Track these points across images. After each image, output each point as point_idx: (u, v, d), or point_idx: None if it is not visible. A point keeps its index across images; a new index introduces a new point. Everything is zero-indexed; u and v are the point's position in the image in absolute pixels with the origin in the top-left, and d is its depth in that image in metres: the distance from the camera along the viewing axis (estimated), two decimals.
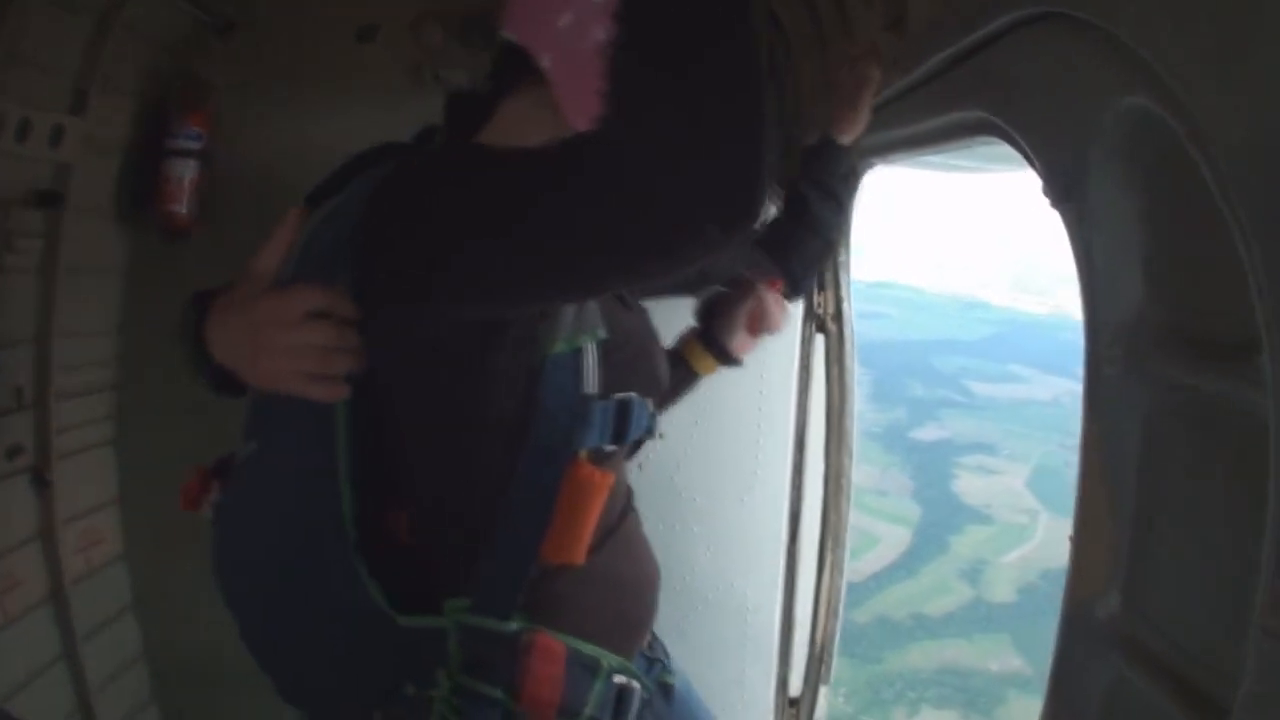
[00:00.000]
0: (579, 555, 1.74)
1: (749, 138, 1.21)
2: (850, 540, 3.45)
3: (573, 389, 1.69)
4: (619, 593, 1.91)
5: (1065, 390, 53.14)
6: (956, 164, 2.84)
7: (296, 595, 1.75)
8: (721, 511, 3.26)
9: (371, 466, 1.71)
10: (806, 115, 3.29)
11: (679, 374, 2.40)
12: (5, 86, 2.75)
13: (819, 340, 3.31)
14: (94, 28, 3.04)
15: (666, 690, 2.12)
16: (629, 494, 2.03)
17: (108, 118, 3.26)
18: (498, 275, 1.45)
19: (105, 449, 3.56)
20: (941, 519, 42.73)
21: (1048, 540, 41.50)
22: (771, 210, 2.57)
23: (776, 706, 3.57)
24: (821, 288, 3.30)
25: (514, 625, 1.71)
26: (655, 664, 2.09)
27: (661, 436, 2.08)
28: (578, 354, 1.69)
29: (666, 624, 2.12)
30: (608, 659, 1.81)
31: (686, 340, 2.46)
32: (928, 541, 41.34)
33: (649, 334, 2.01)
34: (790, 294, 2.62)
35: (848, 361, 3.36)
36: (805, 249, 2.57)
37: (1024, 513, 43.99)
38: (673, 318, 2.49)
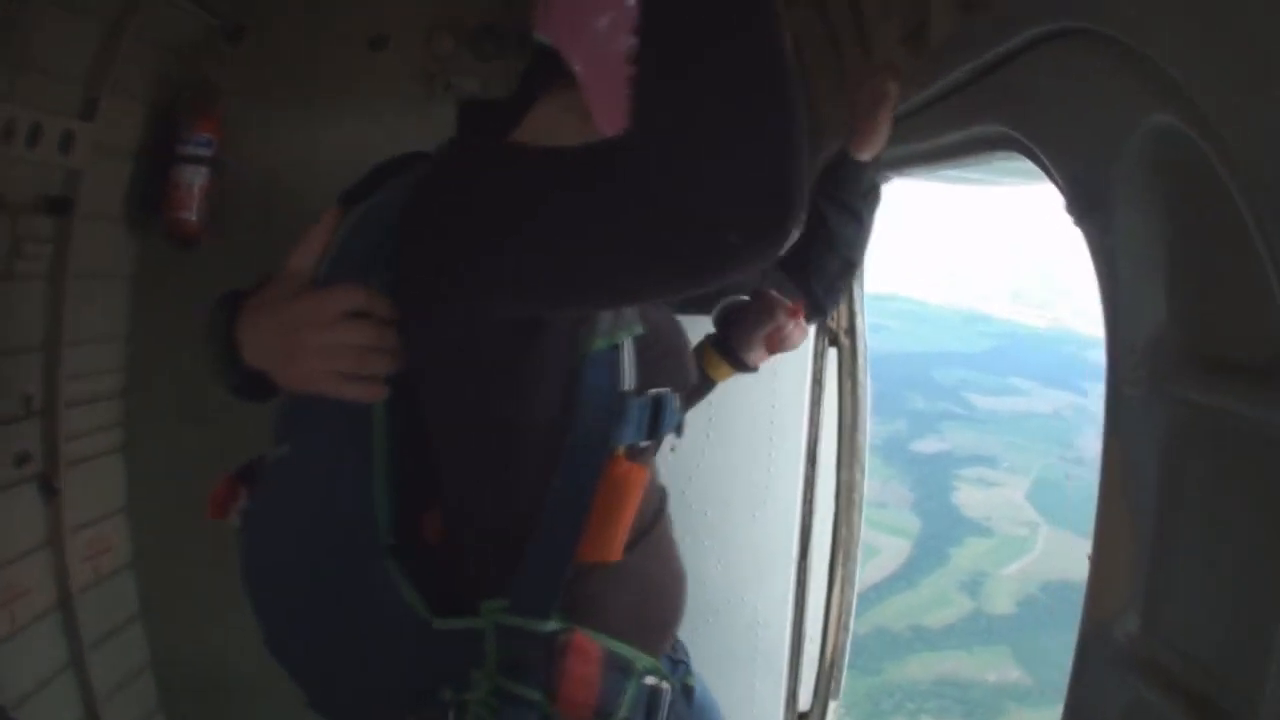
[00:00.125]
0: (616, 552, 1.74)
1: (779, 147, 1.19)
2: None
3: (611, 386, 1.69)
4: (651, 593, 1.91)
5: (1065, 403, 53.30)
6: (967, 176, 2.83)
7: (329, 600, 1.74)
8: (733, 525, 3.24)
9: (408, 467, 1.71)
10: (821, 130, 3.27)
11: (698, 379, 2.39)
12: (16, 92, 2.73)
13: (831, 354, 3.31)
14: (104, 33, 3.02)
15: (688, 692, 2.10)
16: (663, 495, 2.03)
17: (118, 124, 3.24)
18: (527, 278, 1.46)
19: (114, 457, 3.53)
20: (941, 531, 42.84)
21: (1047, 552, 41.64)
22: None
23: None
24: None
25: (551, 625, 1.71)
26: (679, 665, 2.08)
27: (673, 450, 2.07)
28: (615, 350, 1.69)
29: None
30: (641, 660, 1.81)
31: (703, 346, 2.45)
32: (927, 553, 41.45)
33: (677, 330, 2.01)
34: (812, 314, 2.61)
35: (860, 375, 3.36)
36: (826, 268, 2.55)
37: (1024, 525, 44.11)
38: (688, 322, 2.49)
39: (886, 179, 2.59)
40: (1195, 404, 1.30)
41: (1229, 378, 1.22)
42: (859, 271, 2.59)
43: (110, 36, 3.04)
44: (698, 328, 2.43)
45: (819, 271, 2.54)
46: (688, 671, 2.12)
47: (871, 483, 3.46)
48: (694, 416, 2.51)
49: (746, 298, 2.43)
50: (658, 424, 1.79)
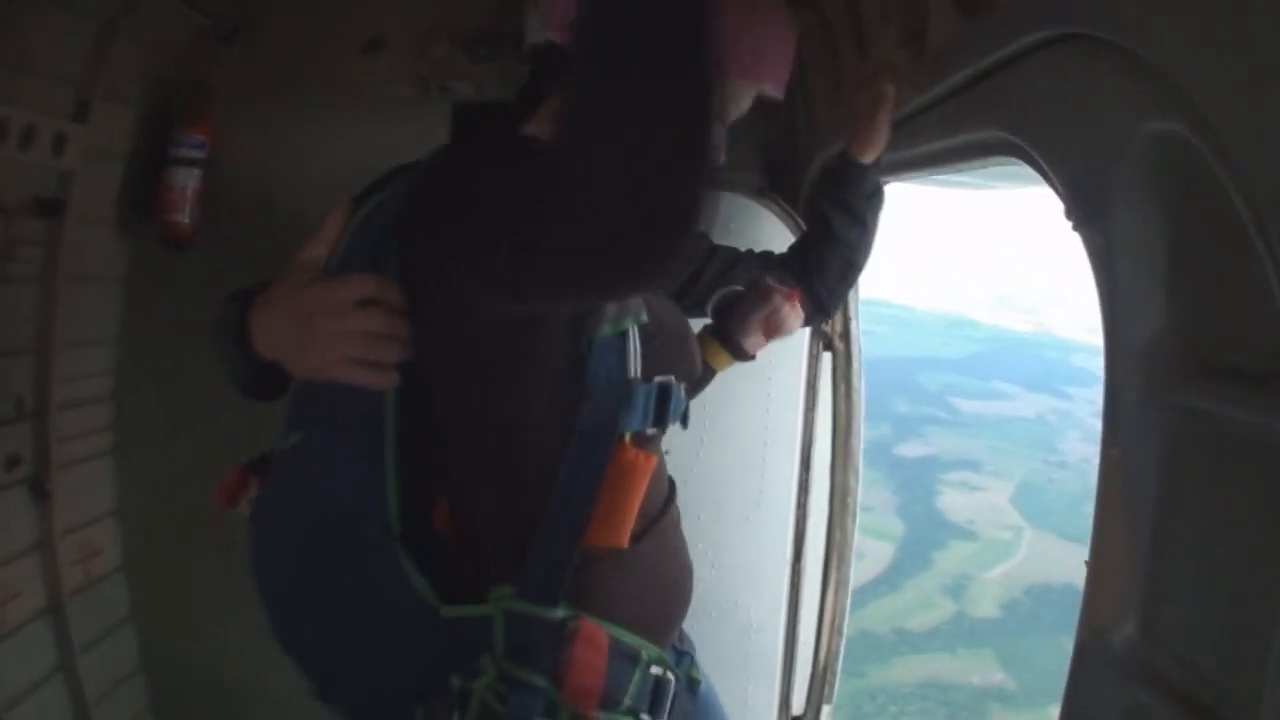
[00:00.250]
0: (623, 539, 1.76)
1: (674, 197, 1.23)
2: None
3: (618, 372, 1.70)
4: (658, 583, 1.91)
5: (1049, 407, 53.54)
6: (963, 180, 2.84)
7: (338, 589, 1.76)
8: (726, 529, 3.23)
9: (416, 457, 1.72)
10: (820, 133, 3.30)
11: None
12: (8, 94, 2.72)
13: (826, 358, 3.30)
14: (97, 35, 3.01)
15: (693, 686, 2.11)
16: (672, 486, 2.04)
17: (110, 126, 3.23)
18: (491, 279, 1.48)
19: (105, 459, 3.52)
20: (925, 535, 43.01)
21: (1031, 556, 41.82)
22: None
23: None
24: None
25: (559, 613, 1.72)
26: (684, 657, 2.09)
27: (667, 452, 2.08)
28: (622, 337, 1.71)
29: None
30: (647, 649, 1.81)
31: (702, 336, 2.44)
32: (911, 557, 41.59)
33: (682, 320, 2.02)
34: (815, 315, 2.66)
35: (854, 380, 3.37)
36: (829, 269, 2.56)
37: (1008, 529, 44.30)
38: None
39: (884, 183, 2.59)
40: (1194, 409, 1.31)
41: (1228, 383, 1.23)
42: (861, 273, 2.60)
43: (103, 38, 3.03)
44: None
45: (822, 273, 2.56)
46: (693, 664, 2.13)
47: None
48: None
49: (741, 288, 2.46)
50: (664, 412, 1.80)
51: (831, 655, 3.48)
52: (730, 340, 2.43)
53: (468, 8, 3.53)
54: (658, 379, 1.78)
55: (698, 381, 2.45)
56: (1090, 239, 1.48)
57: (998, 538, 43.65)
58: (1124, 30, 1.28)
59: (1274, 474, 1.12)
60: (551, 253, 1.30)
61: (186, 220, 3.37)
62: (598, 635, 1.74)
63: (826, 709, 3.50)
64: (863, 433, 3.43)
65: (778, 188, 3.44)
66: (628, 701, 1.78)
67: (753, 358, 2.50)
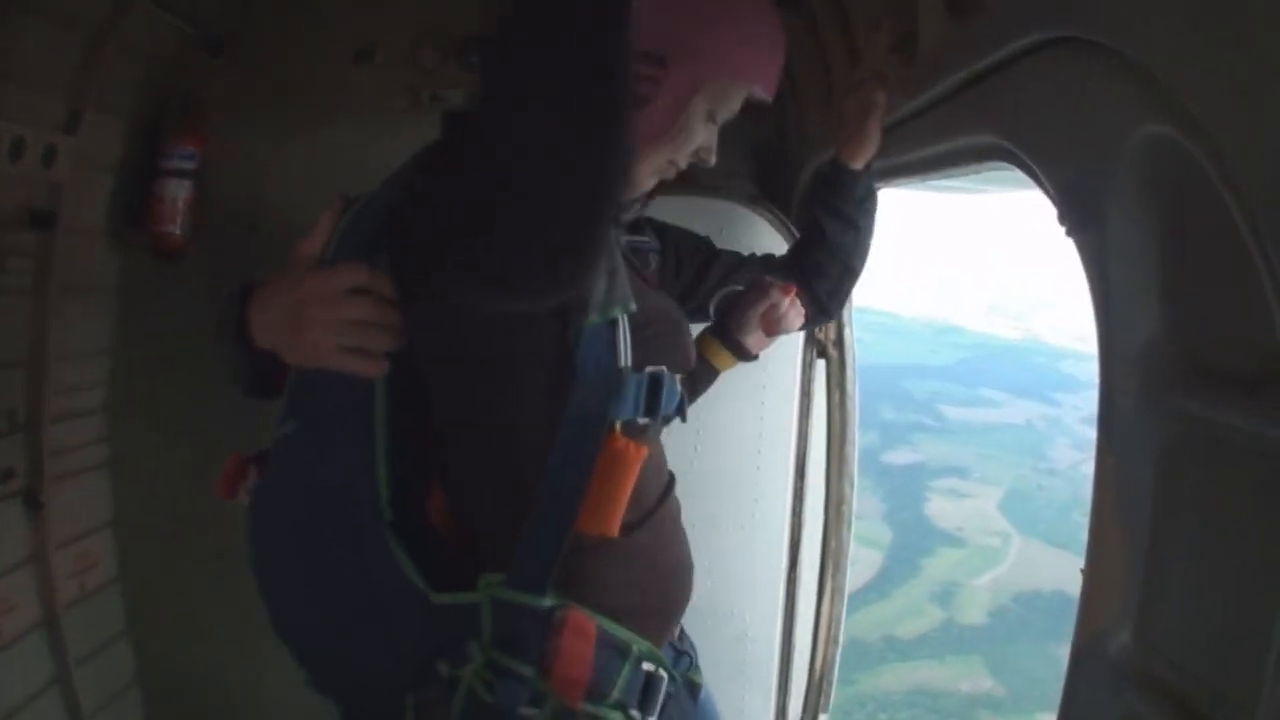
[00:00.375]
0: (613, 528, 1.76)
1: (580, 202, 1.28)
2: None
3: (607, 361, 1.72)
4: (652, 575, 1.92)
5: (1037, 414, 53.64)
6: (956, 185, 2.84)
7: (331, 576, 1.78)
8: (721, 539, 3.23)
9: (409, 446, 1.75)
10: (811, 139, 3.30)
11: (699, 369, 2.43)
12: None
13: (819, 366, 3.30)
14: (87, 47, 3.01)
15: (693, 689, 2.12)
16: (670, 479, 2.05)
17: (101, 137, 3.23)
18: (444, 271, 1.51)
19: (99, 471, 3.51)
20: (913, 542, 43.04)
21: (1019, 563, 41.86)
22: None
23: None
24: None
25: (548, 601, 1.73)
26: (683, 657, 2.09)
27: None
28: (612, 326, 1.73)
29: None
30: (638, 644, 1.82)
31: (703, 336, 2.47)
32: (899, 564, 41.61)
33: (676, 313, 2.05)
34: (818, 316, 2.68)
35: (849, 387, 3.36)
36: (827, 274, 2.58)
37: (996, 535, 44.34)
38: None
39: (878, 187, 2.60)
40: (1189, 415, 1.30)
41: (1223, 389, 1.22)
42: (859, 275, 2.62)
43: (93, 50, 3.03)
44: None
45: (820, 278, 2.57)
46: (693, 667, 2.14)
47: None
48: (681, 429, 2.53)
49: (742, 288, 2.48)
50: (656, 402, 1.81)
51: (827, 663, 3.49)
52: (730, 338, 2.45)
53: (456, 16, 3.53)
54: (649, 369, 1.79)
55: (700, 382, 2.48)
56: (1084, 244, 1.47)
57: (986, 545, 43.71)
58: (1115, 33, 1.28)
59: (1270, 479, 1.11)
60: (477, 250, 1.35)
61: (178, 231, 3.37)
62: (586, 626, 1.75)
63: (823, 718, 3.50)
64: (857, 441, 3.42)
65: (770, 195, 3.45)
66: (616, 695, 1.78)
67: (754, 357, 2.52)
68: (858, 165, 2.46)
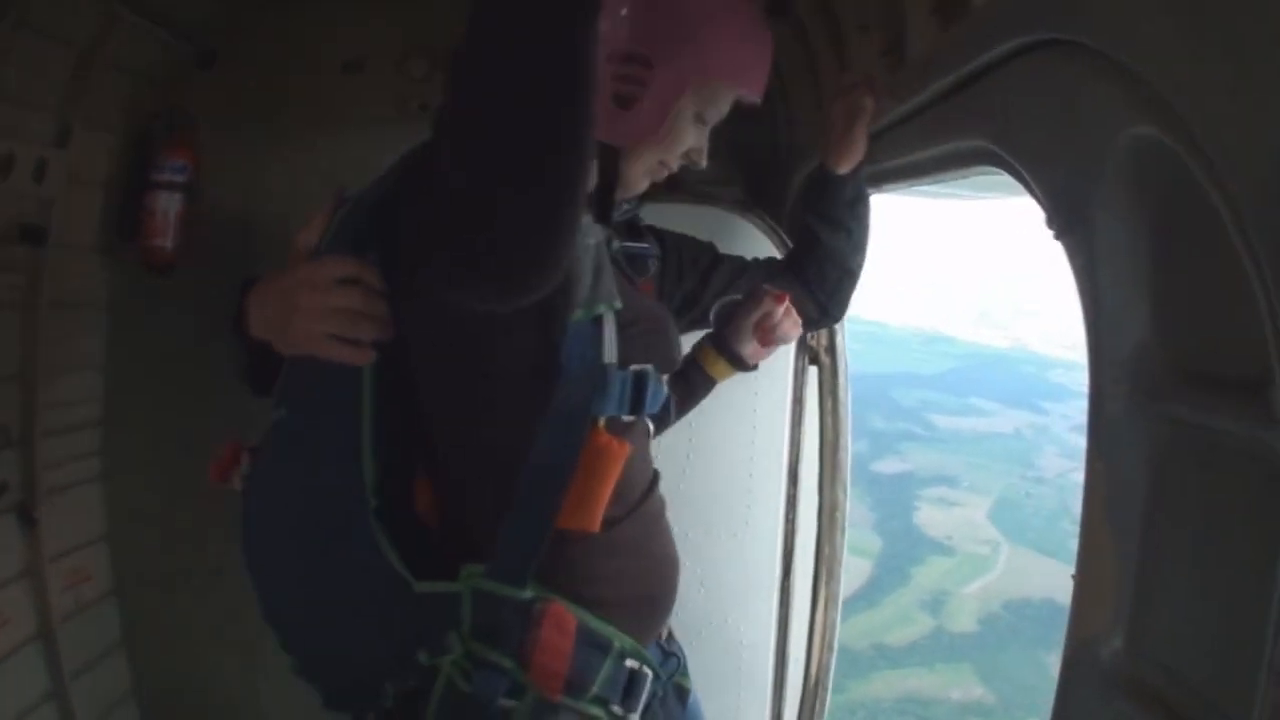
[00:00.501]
0: (594, 523, 1.78)
1: (542, 210, 1.32)
2: None
3: (592, 357, 1.73)
4: (636, 568, 1.93)
5: (1026, 423, 53.75)
6: (947, 191, 2.84)
7: (317, 561, 1.82)
8: (715, 547, 3.23)
9: (397, 436, 1.78)
10: (801, 146, 3.31)
11: (696, 378, 2.48)
12: None
13: (812, 372, 3.30)
14: (77, 61, 3.01)
15: (681, 694, 2.13)
16: (655, 477, 2.06)
17: (91, 151, 3.22)
18: (417, 266, 1.61)
19: (92, 485, 3.50)
20: (903, 550, 43.11)
21: (1009, 571, 41.94)
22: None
23: None
24: None
25: (528, 593, 1.75)
26: (671, 658, 2.09)
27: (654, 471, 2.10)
28: (596, 323, 1.74)
29: None
30: (621, 640, 1.84)
31: (701, 345, 2.50)
32: (889, 572, 41.67)
33: (663, 314, 2.07)
34: (822, 319, 2.71)
35: (841, 394, 3.36)
36: (826, 278, 2.58)
37: (985, 544, 44.43)
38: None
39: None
40: (1179, 419, 1.31)
41: (1214, 393, 1.23)
42: (858, 277, 2.62)
43: (83, 64, 3.03)
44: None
45: (820, 282, 2.58)
46: (681, 670, 2.14)
47: None
48: (673, 438, 2.53)
49: (740, 297, 2.48)
50: (640, 399, 1.83)
51: (822, 671, 3.48)
52: (727, 348, 2.46)
53: (443, 27, 3.52)
54: (634, 367, 1.81)
55: (697, 391, 2.50)
56: (1072, 248, 1.47)
57: (975, 553, 43.79)
58: (1100, 35, 1.28)
59: (1261, 484, 1.11)
60: (457, 244, 1.39)
61: (169, 245, 3.35)
62: (566, 619, 1.77)
63: None
64: (850, 448, 3.42)
65: (761, 201, 3.46)
66: (595, 689, 1.80)
67: (752, 367, 2.52)
68: (844, 170, 2.47)
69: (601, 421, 1.77)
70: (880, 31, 2.42)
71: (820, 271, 2.58)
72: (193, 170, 3.39)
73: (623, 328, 1.78)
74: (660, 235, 2.48)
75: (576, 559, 1.81)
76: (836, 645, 3.51)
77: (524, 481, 1.72)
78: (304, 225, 1.89)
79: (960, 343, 75.85)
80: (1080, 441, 1.52)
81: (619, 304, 1.77)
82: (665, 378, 1.98)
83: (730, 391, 2.55)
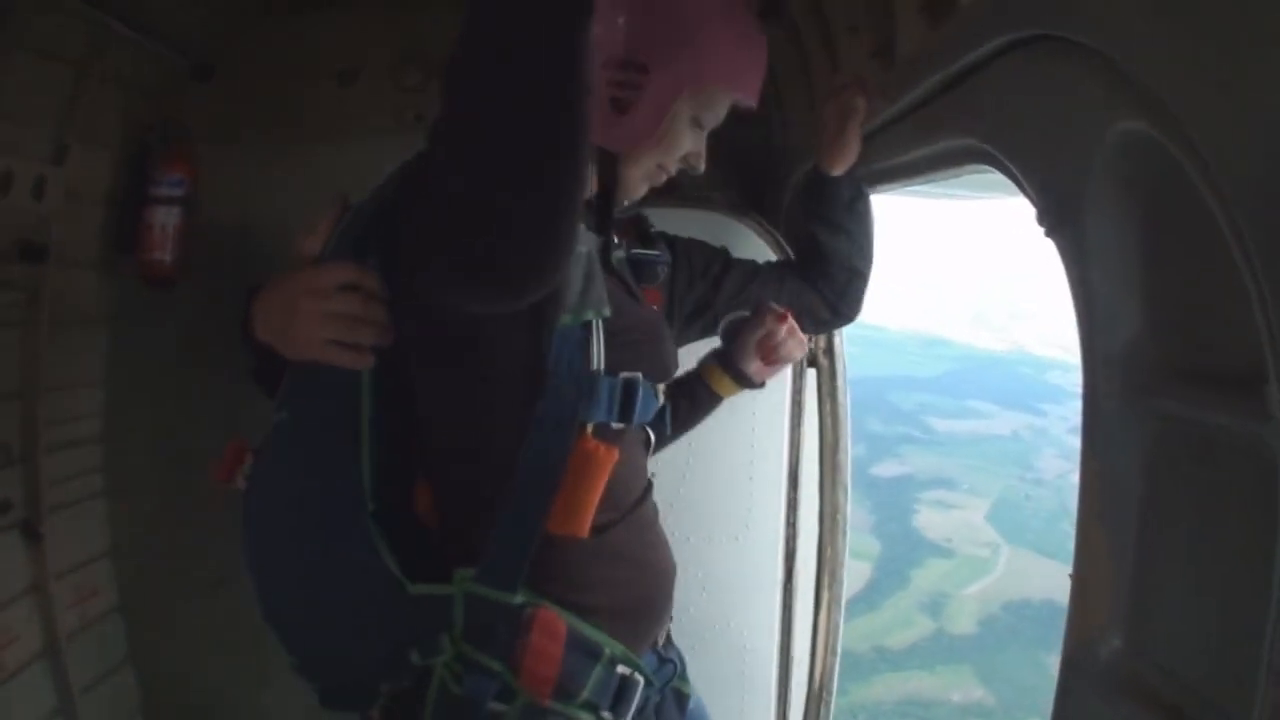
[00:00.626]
0: (582, 528, 1.78)
1: (534, 221, 1.35)
2: None
3: (579, 363, 1.75)
4: (627, 574, 1.94)
5: (1024, 424, 53.74)
6: (946, 192, 2.84)
7: (315, 561, 1.82)
8: (716, 552, 3.23)
9: (397, 441, 1.80)
10: (796, 149, 3.32)
11: (701, 393, 2.49)
12: None
13: (810, 375, 3.30)
14: (73, 78, 3.01)
15: (680, 699, 2.13)
16: (648, 485, 2.07)
17: (89, 167, 3.23)
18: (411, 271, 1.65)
19: (96, 501, 3.50)
20: (902, 553, 43.09)
21: (1008, 572, 41.92)
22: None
23: None
24: None
25: (519, 598, 1.77)
26: (668, 664, 2.09)
27: (653, 475, 2.10)
28: (585, 329, 1.76)
29: None
30: (611, 646, 1.84)
31: (706, 361, 2.51)
32: (888, 575, 41.66)
33: (659, 325, 2.08)
34: (833, 321, 2.72)
35: (840, 396, 3.36)
36: (834, 280, 2.60)
37: (985, 546, 44.41)
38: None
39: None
40: (1173, 416, 1.31)
41: (1207, 388, 1.23)
42: (868, 276, 2.62)
43: (79, 80, 3.03)
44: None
45: (828, 283, 2.60)
46: (679, 676, 2.14)
47: None
48: (673, 444, 2.53)
49: (748, 313, 2.48)
50: (630, 407, 1.84)
51: (826, 674, 3.48)
52: (732, 365, 2.46)
53: (437, 37, 3.53)
54: (623, 374, 1.82)
55: (703, 406, 2.51)
56: (1063, 244, 1.47)
57: (975, 555, 43.79)
58: (1088, 30, 1.28)
59: (1255, 480, 1.11)
60: (453, 248, 1.42)
61: (168, 258, 3.35)
62: (556, 625, 1.78)
63: None
64: (850, 449, 3.43)
65: (757, 205, 3.46)
66: (585, 695, 1.80)
67: (759, 385, 2.53)
68: (838, 172, 2.49)
69: (590, 428, 1.78)
70: (870, 32, 2.43)
71: (826, 273, 2.59)
72: (190, 184, 3.39)
73: (613, 335, 1.79)
74: (671, 241, 2.50)
75: (567, 565, 1.82)
76: (840, 648, 3.50)
77: (513, 486, 1.74)
78: (306, 230, 1.91)
79: (957, 345, 75.91)
80: (1078, 443, 1.51)
81: (608, 311, 1.77)
82: (661, 387, 2.00)
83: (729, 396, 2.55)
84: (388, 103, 3.60)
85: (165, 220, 3.34)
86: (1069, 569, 1.55)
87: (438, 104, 1.33)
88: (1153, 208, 1.30)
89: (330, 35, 3.60)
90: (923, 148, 2.21)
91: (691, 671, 2.17)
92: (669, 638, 2.16)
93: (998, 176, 1.78)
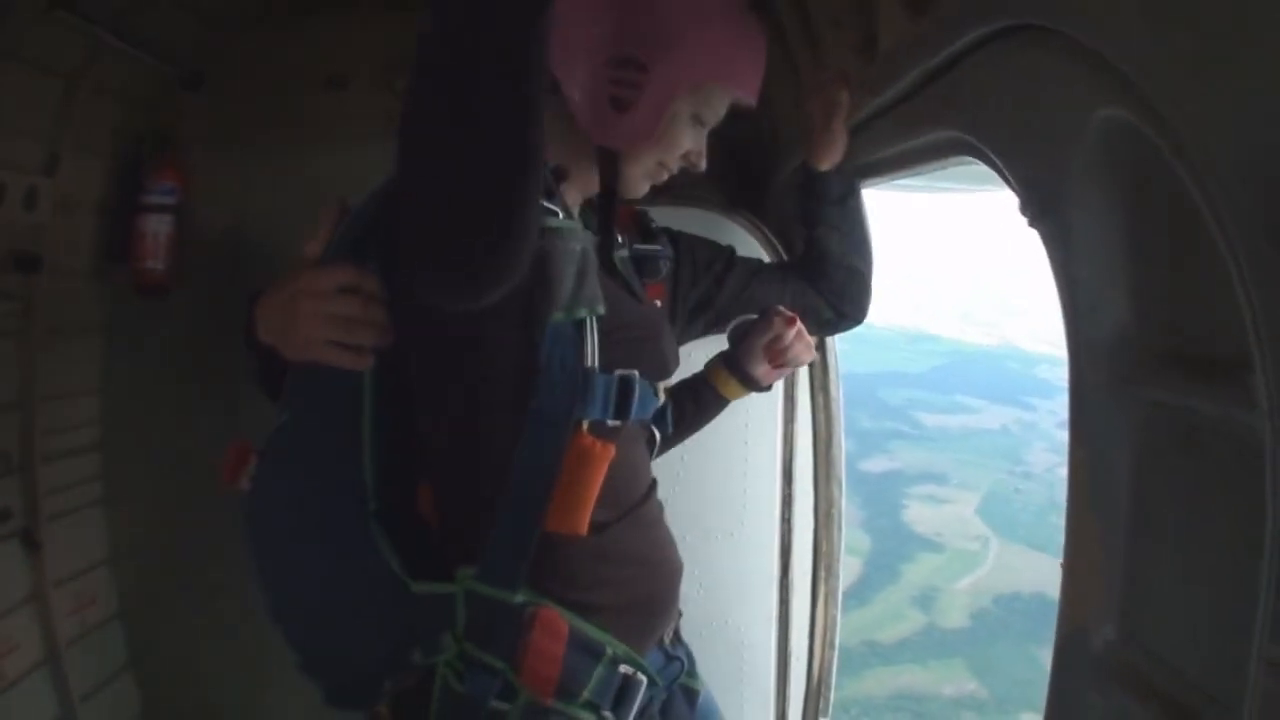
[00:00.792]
0: (580, 526, 1.78)
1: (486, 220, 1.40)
2: None
3: (573, 360, 1.75)
4: (631, 571, 1.94)
5: (1013, 419, 53.80)
6: (936, 185, 2.83)
7: (319, 561, 1.84)
8: (711, 548, 3.24)
9: (399, 442, 1.82)
10: (784, 145, 3.32)
11: (708, 396, 2.49)
12: None
13: (803, 369, 3.27)
14: (63, 88, 3.02)
15: (690, 695, 2.14)
16: (652, 483, 2.08)
17: (81, 177, 3.23)
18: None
19: (95, 509, 3.50)
20: (892, 548, 43.09)
21: (999, 566, 41.94)
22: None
23: None
24: None
25: (520, 597, 1.78)
26: (675, 662, 2.09)
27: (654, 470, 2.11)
28: (579, 326, 1.76)
29: None
30: (614, 646, 1.84)
31: (714, 364, 2.51)
32: (879, 570, 41.62)
33: (658, 322, 2.08)
34: (839, 323, 2.71)
35: (833, 390, 3.37)
36: (833, 280, 2.59)
37: (975, 539, 44.42)
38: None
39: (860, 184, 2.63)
40: (1159, 403, 1.30)
41: (1193, 376, 1.22)
42: (868, 273, 2.62)
43: (69, 91, 3.04)
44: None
45: (827, 284, 2.60)
46: (688, 673, 2.14)
47: None
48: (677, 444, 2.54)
49: (756, 316, 2.47)
50: (626, 405, 1.84)
51: (825, 667, 3.49)
52: (739, 368, 2.45)
53: None
54: (619, 372, 1.82)
55: (709, 409, 2.52)
56: (1046, 233, 1.47)
57: (965, 549, 43.81)
58: (1066, 17, 1.27)
59: (1242, 467, 1.10)
60: (423, 244, 1.47)
61: (161, 267, 3.36)
62: (558, 624, 1.78)
63: None
64: (844, 443, 3.44)
65: (746, 202, 3.47)
66: (587, 695, 1.81)
67: (765, 388, 2.53)
68: (824, 167, 2.49)
69: (585, 425, 1.78)
70: (853, 26, 2.40)
71: (824, 273, 2.58)
72: (181, 192, 3.40)
73: (609, 333, 1.79)
74: (675, 237, 2.49)
75: (568, 564, 1.82)
76: (838, 641, 3.52)
77: (510, 484, 1.74)
78: (310, 235, 1.90)
79: (946, 341, 75.93)
80: (1067, 436, 1.51)
81: (602, 309, 1.78)
82: (660, 386, 2.01)
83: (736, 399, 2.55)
84: (379, 107, 3.57)
85: (157, 228, 3.35)
86: (1059, 562, 1.54)
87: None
88: (1135, 195, 1.29)
89: (320, 41, 3.60)
90: (907, 141, 2.20)
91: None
92: (677, 634, 2.17)
93: (985, 168, 1.76)
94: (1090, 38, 1.21)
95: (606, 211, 2.06)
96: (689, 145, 2.01)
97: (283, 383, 1.89)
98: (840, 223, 2.56)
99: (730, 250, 2.63)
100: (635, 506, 1.95)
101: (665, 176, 2.06)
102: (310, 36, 3.59)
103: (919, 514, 45.86)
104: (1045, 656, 1.56)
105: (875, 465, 48.76)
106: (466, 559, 1.78)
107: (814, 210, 2.55)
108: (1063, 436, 1.52)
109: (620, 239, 2.21)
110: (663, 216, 2.48)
